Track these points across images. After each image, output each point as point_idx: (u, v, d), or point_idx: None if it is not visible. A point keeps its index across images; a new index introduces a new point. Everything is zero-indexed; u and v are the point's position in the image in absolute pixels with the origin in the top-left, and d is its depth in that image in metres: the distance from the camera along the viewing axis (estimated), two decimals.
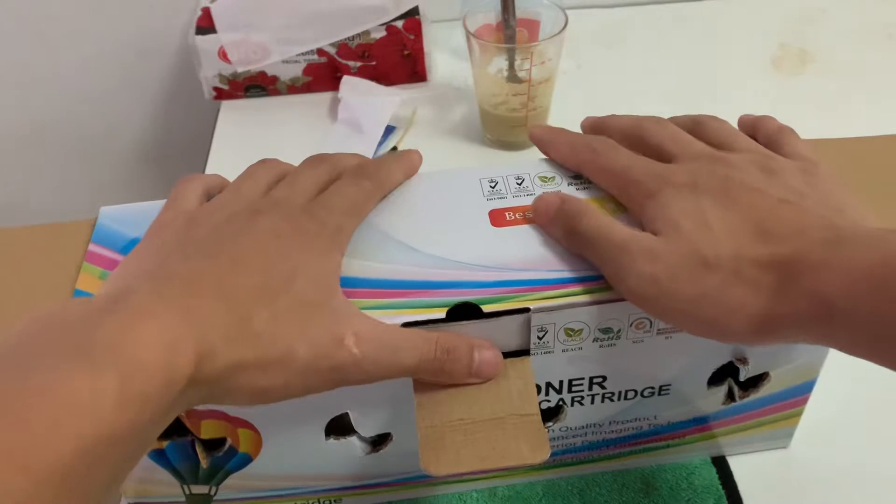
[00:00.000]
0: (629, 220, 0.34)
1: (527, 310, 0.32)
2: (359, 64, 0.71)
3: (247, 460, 0.37)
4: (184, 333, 0.26)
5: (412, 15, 0.68)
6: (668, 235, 0.31)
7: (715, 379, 0.38)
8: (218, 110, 0.73)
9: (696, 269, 0.29)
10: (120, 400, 0.23)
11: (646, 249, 0.30)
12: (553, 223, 0.35)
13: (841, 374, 0.39)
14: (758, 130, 0.36)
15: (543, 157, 0.39)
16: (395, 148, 0.66)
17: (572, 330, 0.34)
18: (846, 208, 0.30)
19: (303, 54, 0.70)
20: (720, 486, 0.42)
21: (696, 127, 0.36)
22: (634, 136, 0.36)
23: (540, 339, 0.34)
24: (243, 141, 0.69)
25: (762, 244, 0.29)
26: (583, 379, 0.36)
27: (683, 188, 0.32)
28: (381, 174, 0.36)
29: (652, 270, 0.30)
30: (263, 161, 0.37)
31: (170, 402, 0.25)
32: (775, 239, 0.29)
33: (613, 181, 0.35)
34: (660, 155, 0.35)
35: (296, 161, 0.37)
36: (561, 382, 0.36)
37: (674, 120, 0.37)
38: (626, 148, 0.36)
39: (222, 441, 0.36)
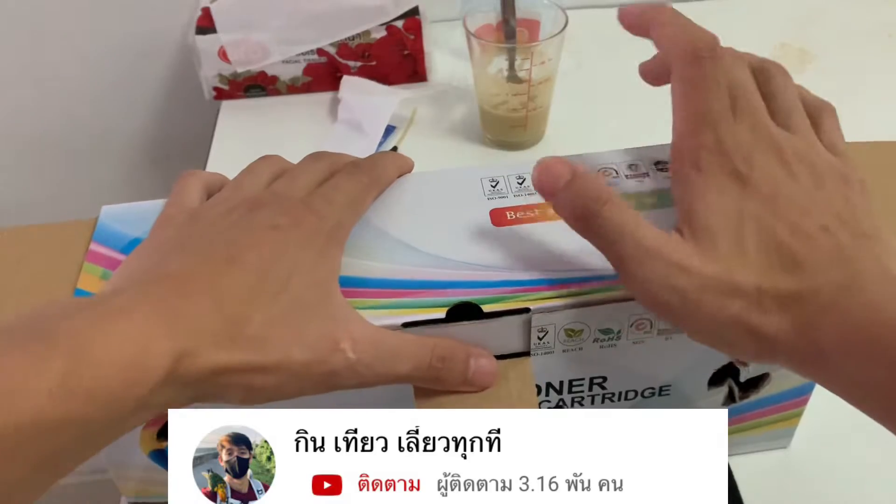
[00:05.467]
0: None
1: (527, 310, 0.32)
2: (359, 64, 0.71)
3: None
4: (160, 333, 0.25)
5: (412, 15, 0.68)
6: (702, 248, 0.29)
7: (715, 380, 0.38)
8: (218, 110, 0.73)
9: (724, 293, 0.28)
10: (60, 391, 0.23)
11: (678, 260, 0.29)
12: (561, 199, 0.31)
13: None
14: (802, 99, 0.34)
15: (544, 157, 0.39)
16: (395, 148, 0.66)
17: (573, 330, 0.33)
18: (874, 234, 0.29)
19: (303, 54, 0.70)
20: None
21: (762, 77, 0.33)
22: (726, 63, 0.33)
23: (540, 339, 0.34)
24: (243, 141, 0.69)
25: (789, 275, 0.28)
26: (583, 379, 0.36)
27: (733, 180, 0.30)
28: (376, 170, 0.36)
29: (681, 284, 0.29)
30: (264, 157, 0.37)
31: (138, 400, 0.25)
32: (801, 273, 0.28)
33: (686, 108, 0.32)
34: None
35: (296, 161, 0.37)
36: (561, 383, 0.36)
37: (743, 57, 0.34)
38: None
39: None
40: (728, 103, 0.32)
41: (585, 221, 0.30)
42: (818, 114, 0.33)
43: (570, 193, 0.31)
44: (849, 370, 0.27)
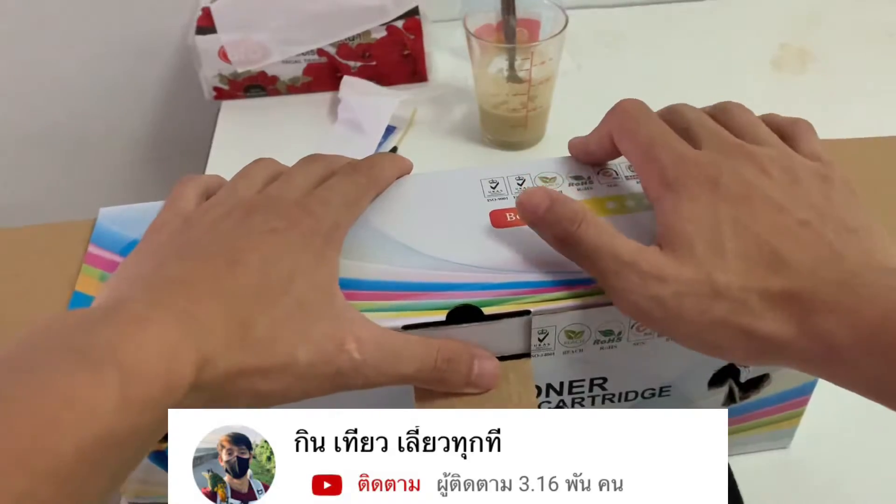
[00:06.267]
0: (629, 223, 0.34)
1: (528, 312, 0.32)
2: (359, 64, 0.71)
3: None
4: (183, 340, 0.26)
5: (412, 15, 0.68)
6: (679, 256, 0.29)
7: (715, 380, 0.38)
8: (218, 110, 0.73)
9: (705, 297, 0.28)
10: (121, 403, 0.23)
11: (655, 270, 0.29)
12: (542, 225, 0.33)
13: None
14: (770, 125, 0.35)
15: (544, 157, 0.39)
16: (395, 148, 0.66)
17: (573, 332, 0.33)
18: (861, 228, 0.29)
19: (303, 54, 0.70)
20: None
21: (720, 114, 0.34)
22: (665, 118, 0.34)
23: (541, 341, 0.34)
24: (243, 141, 0.69)
25: (774, 275, 0.28)
26: (583, 380, 0.36)
27: (704, 186, 0.30)
28: (374, 170, 0.36)
29: (660, 293, 0.29)
30: (259, 160, 0.37)
31: (173, 406, 0.25)
32: (788, 271, 0.28)
33: (635, 150, 0.33)
34: (687, 139, 0.33)
35: (294, 162, 0.37)
36: (561, 384, 0.36)
37: (694, 107, 0.35)
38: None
39: None
40: (667, 128, 0.33)
41: (565, 243, 0.32)
42: (792, 129, 0.34)
43: (549, 219, 0.32)
44: (869, 368, 0.26)
